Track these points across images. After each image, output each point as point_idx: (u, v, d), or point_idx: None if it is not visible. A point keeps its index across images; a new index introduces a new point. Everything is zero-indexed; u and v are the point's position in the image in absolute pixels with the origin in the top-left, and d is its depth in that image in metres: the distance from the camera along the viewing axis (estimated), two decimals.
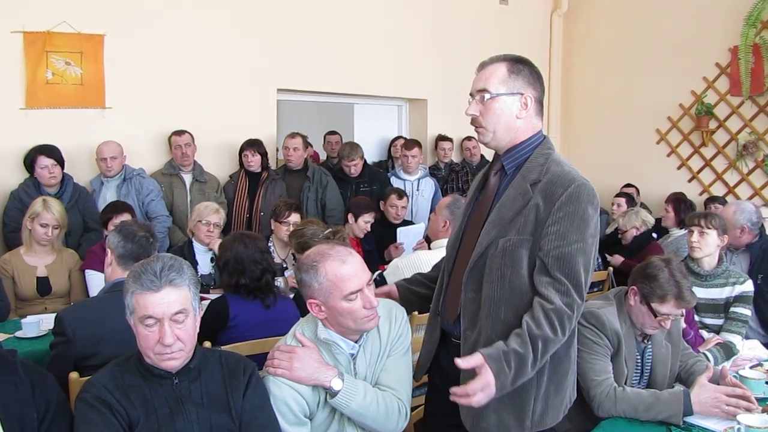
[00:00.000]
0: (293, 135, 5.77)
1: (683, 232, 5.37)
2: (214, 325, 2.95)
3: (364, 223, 5.03)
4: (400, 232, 5.17)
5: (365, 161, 6.20)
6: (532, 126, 2.15)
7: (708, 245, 3.71)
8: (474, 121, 2.16)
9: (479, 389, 1.91)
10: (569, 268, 1.98)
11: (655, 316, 2.60)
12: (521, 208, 2.05)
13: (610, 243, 5.67)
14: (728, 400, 2.40)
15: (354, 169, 6.00)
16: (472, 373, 1.97)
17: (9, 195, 4.70)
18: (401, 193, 5.58)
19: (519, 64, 2.13)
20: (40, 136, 4.81)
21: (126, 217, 4.12)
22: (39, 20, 4.92)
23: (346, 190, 5.96)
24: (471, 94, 2.16)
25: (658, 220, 5.93)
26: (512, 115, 2.10)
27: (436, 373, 2.38)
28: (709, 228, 3.69)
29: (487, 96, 2.10)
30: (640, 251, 5.06)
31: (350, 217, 5.06)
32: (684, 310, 2.70)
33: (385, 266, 4.23)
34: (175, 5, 5.58)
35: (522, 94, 2.10)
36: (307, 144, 5.93)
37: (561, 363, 2.12)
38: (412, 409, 2.37)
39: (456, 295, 2.20)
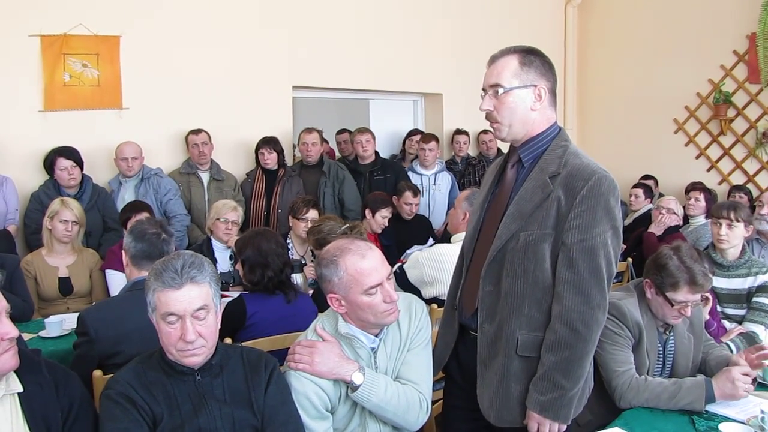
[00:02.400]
0: (310, 130, 5.74)
1: (704, 221, 5.32)
2: (232, 326, 2.96)
3: (382, 218, 5.02)
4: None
5: (377, 152, 6.19)
6: (546, 117, 2.13)
7: (736, 237, 3.70)
8: (489, 117, 2.14)
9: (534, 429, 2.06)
10: (593, 261, 1.98)
11: (673, 306, 2.58)
12: (541, 202, 2.04)
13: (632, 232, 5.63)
14: (741, 377, 2.38)
15: (366, 145, 5.99)
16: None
17: (30, 197, 4.75)
18: (416, 191, 5.54)
19: (530, 55, 2.10)
20: (58, 138, 4.86)
21: (145, 216, 4.14)
22: (56, 23, 4.96)
23: (360, 181, 5.96)
24: (483, 89, 2.14)
25: None
26: (527, 108, 2.09)
27: (455, 366, 2.38)
28: (738, 221, 3.67)
29: (500, 90, 2.08)
30: (663, 242, 5.01)
31: (367, 212, 5.05)
32: (703, 295, 2.68)
33: (404, 259, 4.22)
34: (188, 6, 5.60)
35: (535, 86, 2.08)
36: (323, 139, 5.93)
37: None
38: (432, 402, 2.37)
39: (473, 289, 2.19)
